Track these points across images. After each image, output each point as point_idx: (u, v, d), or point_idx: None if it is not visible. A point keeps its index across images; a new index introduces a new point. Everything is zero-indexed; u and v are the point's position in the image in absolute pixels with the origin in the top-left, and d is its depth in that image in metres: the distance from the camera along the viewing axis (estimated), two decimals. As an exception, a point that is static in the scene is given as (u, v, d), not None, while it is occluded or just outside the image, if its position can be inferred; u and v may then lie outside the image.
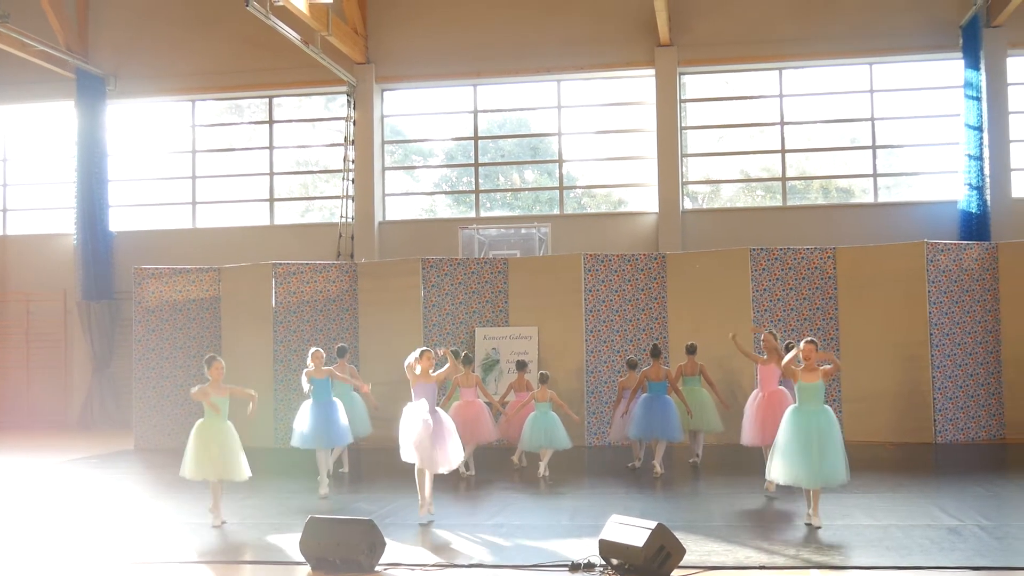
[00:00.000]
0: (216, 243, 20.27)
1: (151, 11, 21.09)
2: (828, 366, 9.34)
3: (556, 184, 20.18)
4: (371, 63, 20.16)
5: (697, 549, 8.17)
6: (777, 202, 19.37)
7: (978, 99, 17.73)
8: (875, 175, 19.10)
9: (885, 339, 15.04)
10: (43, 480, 13.37)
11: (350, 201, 20.12)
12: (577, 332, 15.72)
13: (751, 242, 16.64)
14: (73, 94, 20.87)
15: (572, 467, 13.29)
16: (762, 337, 11.15)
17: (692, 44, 19.08)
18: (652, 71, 19.22)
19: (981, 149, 17.66)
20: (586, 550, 8.09)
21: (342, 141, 20.41)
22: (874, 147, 19.06)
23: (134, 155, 21.56)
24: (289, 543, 8.67)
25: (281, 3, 15.81)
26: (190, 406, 15.72)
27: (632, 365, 13.29)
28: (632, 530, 7.57)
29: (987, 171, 17.68)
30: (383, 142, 20.55)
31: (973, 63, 17.79)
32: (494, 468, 13.24)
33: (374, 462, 13.84)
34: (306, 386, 11.36)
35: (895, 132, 19.11)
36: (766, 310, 15.44)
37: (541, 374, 12.90)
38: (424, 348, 9.98)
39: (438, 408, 9.99)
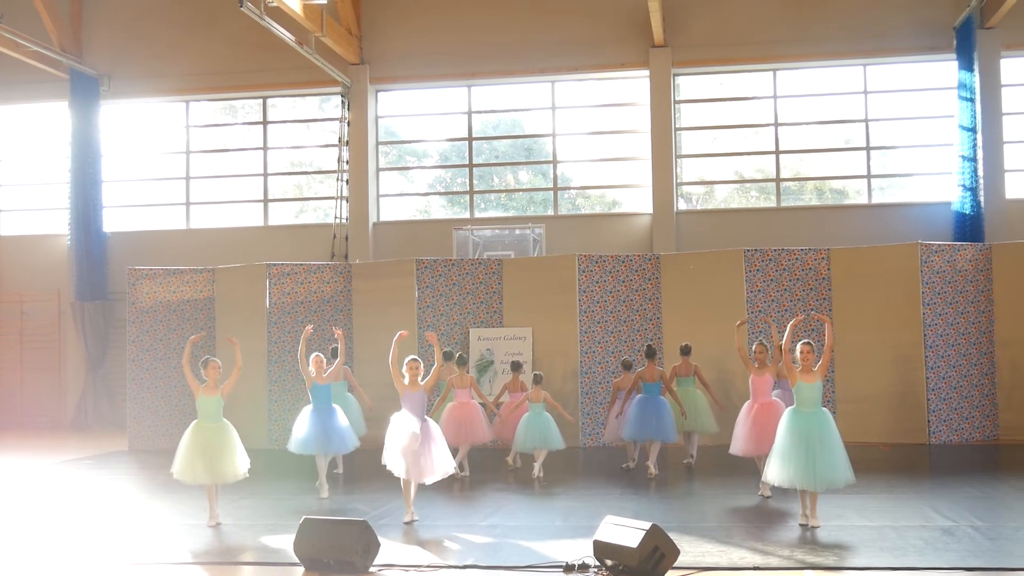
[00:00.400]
0: (210, 244, 20.25)
1: (145, 12, 21.07)
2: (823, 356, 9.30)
3: (550, 185, 20.19)
4: (365, 64, 20.15)
5: (691, 550, 8.17)
6: (771, 203, 19.40)
7: (972, 100, 17.76)
8: (869, 176, 19.13)
9: (879, 340, 15.07)
10: (37, 481, 13.33)
11: (344, 202, 20.11)
12: (571, 333, 15.72)
13: (745, 243, 16.66)
14: (67, 95, 20.85)
15: (566, 468, 13.29)
16: (755, 346, 11.09)
17: (686, 45, 19.10)
18: (646, 72, 19.24)
19: (975, 150, 17.69)
20: (580, 551, 8.10)
21: (336, 142, 20.41)
22: (868, 148, 19.09)
23: (128, 156, 21.54)
24: (283, 544, 8.66)
25: (275, 4, 15.82)
26: (184, 407, 15.72)
27: (627, 366, 13.28)
28: (626, 531, 7.57)
29: (981, 172, 17.71)
30: (377, 143, 20.55)
31: (967, 64, 17.83)
32: (488, 469, 13.24)
33: (368, 463, 13.76)
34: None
35: (889, 133, 19.15)
36: (760, 311, 15.46)
37: (535, 375, 12.87)
38: (411, 357, 9.92)
39: (427, 417, 9.94)
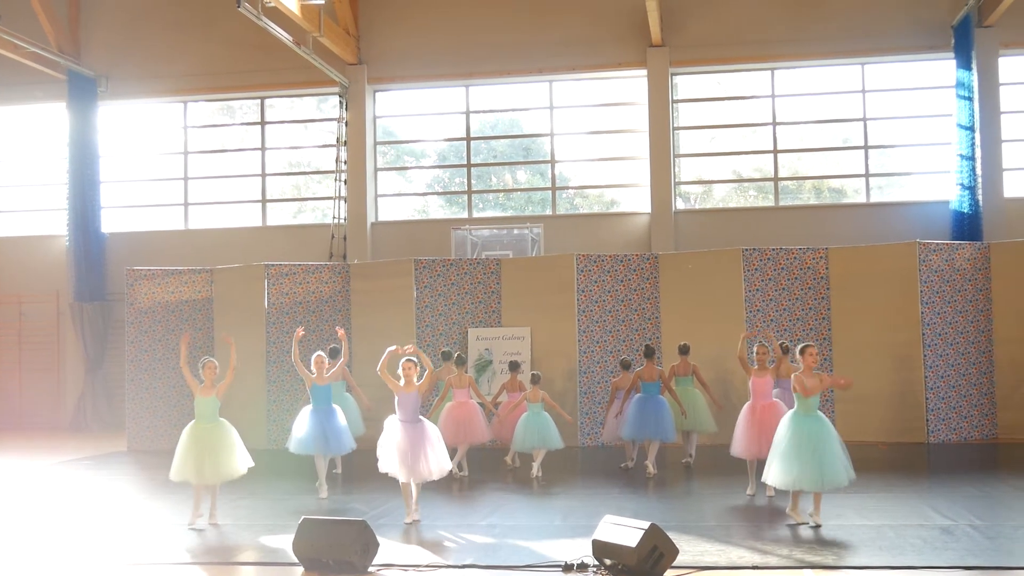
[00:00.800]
0: (208, 244, 20.24)
1: (143, 12, 21.05)
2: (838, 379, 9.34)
3: (548, 184, 20.18)
4: (363, 64, 20.15)
5: (690, 549, 8.18)
6: (769, 202, 19.40)
7: (970, 99, 17.76)
8: (867, 175, 19.13)
9: (878, 339, 15.07)
10: (36, 482, 13.33)
11: (342, 202, 20.10)
12: (570, 332, 15.72)
13: (743, 242, 16.66)
14: (65, 95, 20.83)
15: (565, 467, 13.29)
16: (755, 348, 11.07)
17: (684, 45, 19.09)
18: (644, 72, 19.23)
19: (973, 149, 17.69)
20: (579, 550, 8.09)
21: (334, 142, 20.39)
22: (866, 147, 19.10)
23: (126, 156, 21.52)
24: (282, 544, 8.66)
25: (272, 4, 15.80)
26: (183, 407, 15.71)
27: (625, 365, 13.28)
28: (625, 530, 7.57)
29: (979, 171, 17.71)
30: (375, 143, 20.54)
31: (965, 63, 17.83)
32: (487, 469, 13.25)
33: (367, 463, 13.73)
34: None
35: (887, 132, 19.15)
36: (758, 310, 15.46)
37: (532, 374, 12.87)
38: (406, 358, 9.90)
39: (423, 418, 9.94)
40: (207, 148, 21.37)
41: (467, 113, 20.32)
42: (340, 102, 20.24)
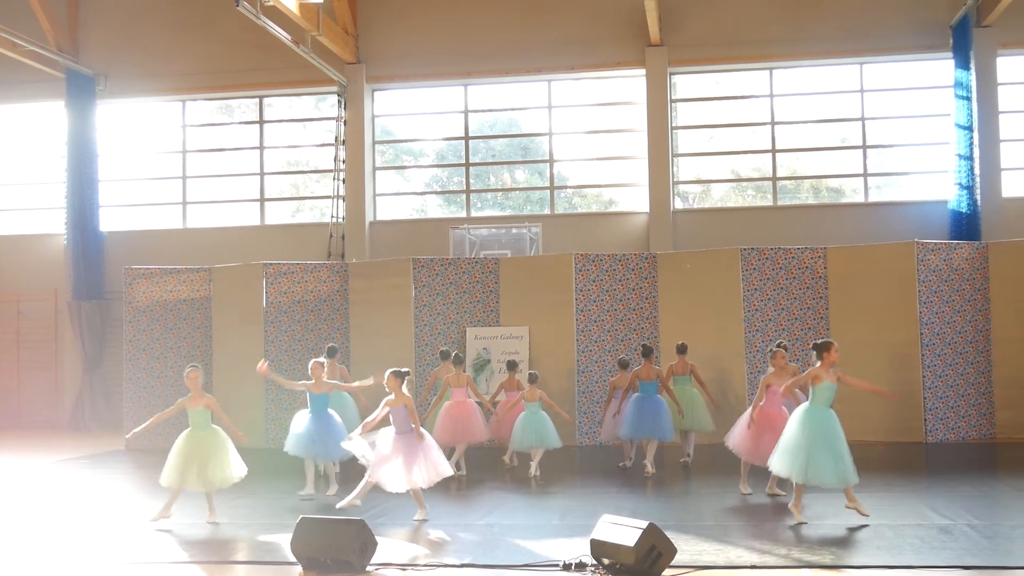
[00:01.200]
0: (207, 243, 20.24)
1: (141, 11, 21.05)
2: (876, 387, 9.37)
3: (547, 184, 20.18)
4: (361, 63, 20.14)
5: (688, 548, 8.17)
6: (768, 202, 19.41)
7: (968, 99, 17.77)
8: (865, 175, 19.14)
9: (876, 339, 15.06)
10: (34, 480, 13.32)
11: (341, 201, 20.10)
12: (568, 332, 15.72)
13: (742, 242, 16.66)
14: (63, 94, 20.82)
15: (563, 467, 13.29)
16: (774, 351, 10.94)
17: (682, 44, 19.09)
18: (643, 71, 19.24)
19: (971, 149, 17.70)
20: (577, 550, 8.09)
21: (333, 141, 20.39)
22: (864, 147, 19.10)
23: (124, 155, 21.51)
24: (280, 543, 8.65)
25: (271, 3, 15.79)
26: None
27: (623, 364, 13.29)
28: (623, 530, 7.56)
29: (977, 171, 17.72)
30: (374, 142, 20.54)
31: (963, 63, 17.84)
32: (485, 468, 13.25)
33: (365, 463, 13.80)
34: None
35: (885, 132, 19.16)
36: (757, 310, 15.47)
37: (530, 374, 12.89)
38: (391, 371, 9.93)
39: (424, 431, 10.02)
40: (205, 147, 21.37)
41: (466, 112, 20.32)
42: (339, 101, 20.23)
